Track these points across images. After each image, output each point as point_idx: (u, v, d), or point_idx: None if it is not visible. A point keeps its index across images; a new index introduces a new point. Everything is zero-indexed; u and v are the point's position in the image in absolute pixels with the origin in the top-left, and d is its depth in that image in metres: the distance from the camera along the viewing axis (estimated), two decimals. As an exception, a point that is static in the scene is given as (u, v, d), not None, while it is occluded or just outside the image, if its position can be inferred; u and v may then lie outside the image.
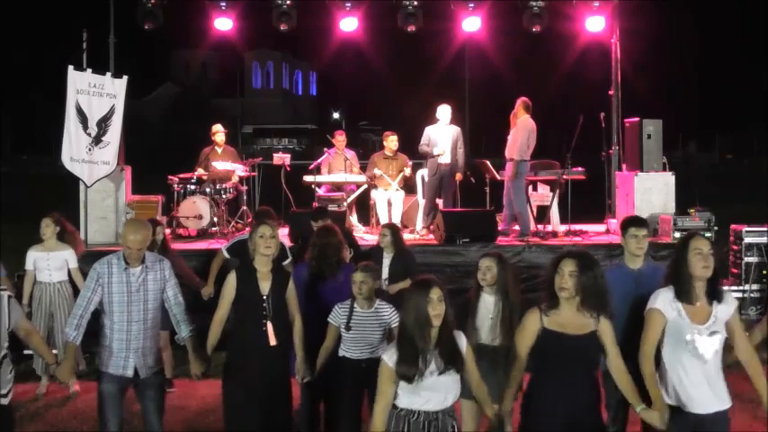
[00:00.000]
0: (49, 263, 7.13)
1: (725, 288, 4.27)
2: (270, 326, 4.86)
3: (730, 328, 4.21)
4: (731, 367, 4.51)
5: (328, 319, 5.13)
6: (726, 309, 4.19)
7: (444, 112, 10.52)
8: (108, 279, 4.75)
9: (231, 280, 4.93)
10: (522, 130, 9.96)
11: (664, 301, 4.17)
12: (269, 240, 4.90)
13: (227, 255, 7.18)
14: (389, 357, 3.81)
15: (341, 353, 5.12)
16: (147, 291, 4.80)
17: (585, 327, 4.04)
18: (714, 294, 4.16)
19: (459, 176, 10.60)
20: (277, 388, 4.93)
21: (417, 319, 3.80)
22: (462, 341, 3.94)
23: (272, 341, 4.85)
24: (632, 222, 5.03)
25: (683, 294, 4.14)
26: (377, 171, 10.71)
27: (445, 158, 10.41)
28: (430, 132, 10.50)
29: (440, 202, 10.68)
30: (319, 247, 5.58)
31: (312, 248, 5.63)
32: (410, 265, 7.12)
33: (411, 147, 10.85)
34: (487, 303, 4.82)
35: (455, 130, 10.52)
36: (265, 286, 4.91)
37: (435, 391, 3.82)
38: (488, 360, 4.76)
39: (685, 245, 4.21)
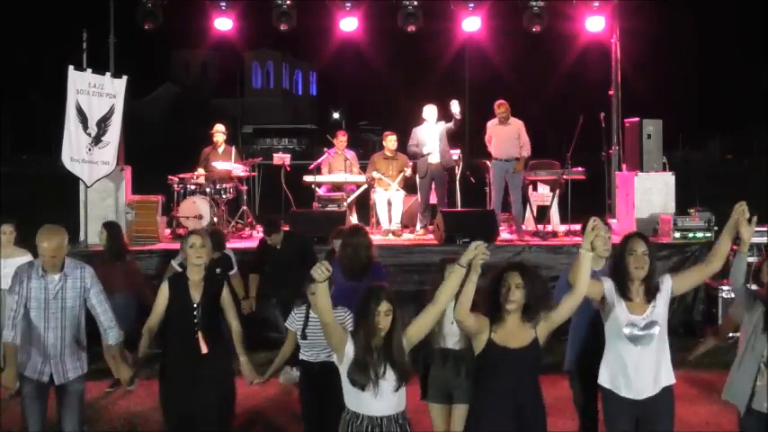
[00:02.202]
0: (5, 270, 6.63)
1: (663, 279, 4.36)
2: (200, 334, 4.93)
3: (677, 285, 4.34)
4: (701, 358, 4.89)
5: (286, 324, 5.19)
6: (663, 299, 4.31)
7: (430, 112, 10.53)
8: (27, 284, 4.70)
9: (163, 289, 5.01)
10: (523, 129, 10.37)
11: (609, 283, 4.33)
12: (199, 250, 4.99)
13: (178, 269, 6.88)
14: (350, 347, 3.91)
15: (300, 356, 5.19)
16: (66, 298, 4.75)
17: (527, 337, 4.05)
18: (652, 294, 4.30)
19: (458, 115, 10.29)
20: (212, 394, 4.96)
21: (364, 328, 3.90)
22: (405, 345, 3.96)
23: (204, 349, 4.92)
24: None
25: (621, 290, 4.30)
26: (375, 174, 10.69)
27: (434, 158, 10.41)
28: (417, 133, 10.52)
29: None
30: (352, 247, 5.63)
31: (344, 248, 5.68)
32: None
33: (407, 148, 10.83)
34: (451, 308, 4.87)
35: (441, 127, 10.51)
36: (196, 295, 4.98)
37: (380, 399, 3.89)
38: (452, 363, 4.86)
39: (623, 244, 4.34)
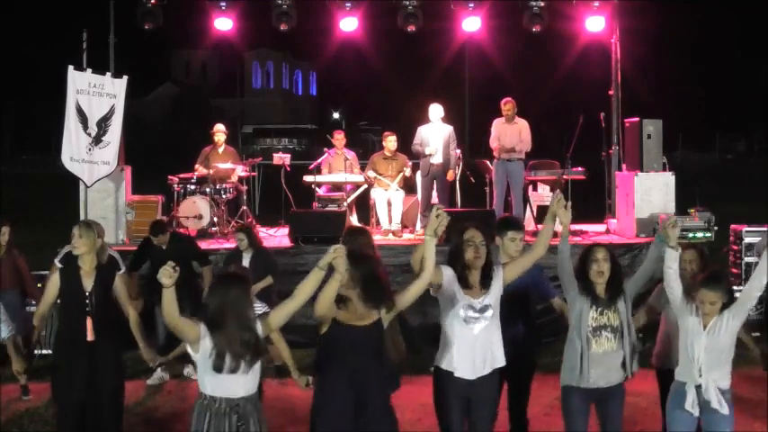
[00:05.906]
0: None
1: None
2: (89, 321, 5.00)
3: (507, 273, 4.59)
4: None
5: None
6: (497, 286, 4.54)
7: (435, 111, 10.53)
8: None
9: (54, 277, 5.10)
10: (526, 129, 10.38)
11: (449, 270, 4.51)
12: (77, 240, 5.06)
13: (58, 265, 6.63)
14: (207, 340, 3.95)
15: None
16: None
17: (371, 318, 4.18)
18: (487, 282, 4.52)
19: (450, 175, 10.60)
20: (102, 384, 5.01)
21: (220, 308, 3.96)
22: (259, 329, 4.06)
23: (90, 336, 5.00)
24: (510, 225, 5.12)
25: (460, 279, 4.48)
26: (371, 173, 10.68)
27: (437, 158, 10.40)
28: (422, 132, 10.52)
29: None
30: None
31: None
32: (270, 263, 7.37)
33: (411, 147, 10.85)
34: None
35: (447, 129, 10.51)
36: (88, 283, 5.06)
37: (237, 379, 3.97)
38: None
39: (460, 235, 4.55)
